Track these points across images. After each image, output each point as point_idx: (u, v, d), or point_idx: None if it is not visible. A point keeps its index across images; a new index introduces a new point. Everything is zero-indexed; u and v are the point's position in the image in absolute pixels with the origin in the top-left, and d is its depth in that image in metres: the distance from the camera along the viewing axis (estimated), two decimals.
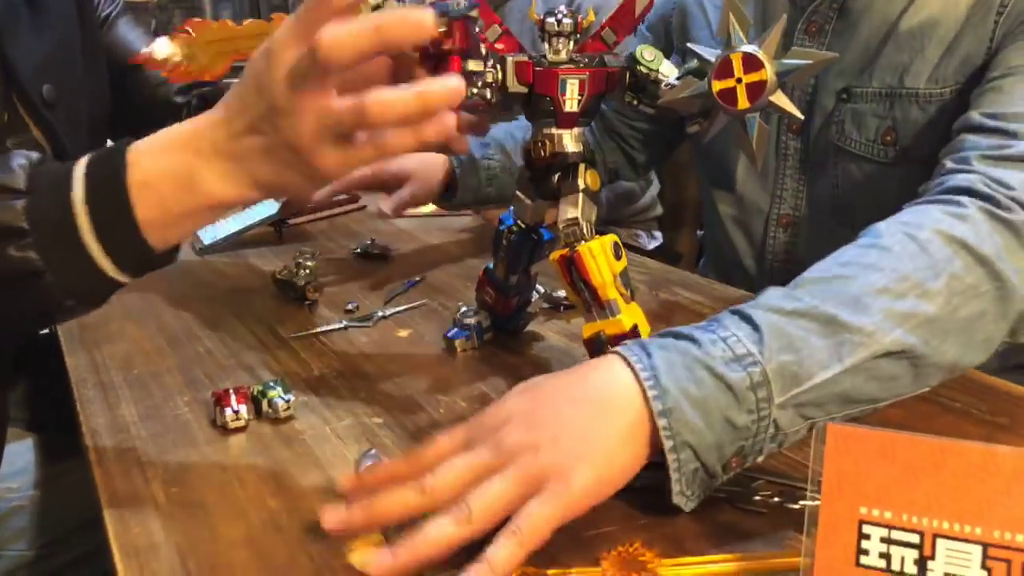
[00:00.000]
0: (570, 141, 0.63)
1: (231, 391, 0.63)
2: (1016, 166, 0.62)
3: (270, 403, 0.64)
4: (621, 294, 0.63)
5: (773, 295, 0.53)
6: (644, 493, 0.51)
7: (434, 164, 1.02)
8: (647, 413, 0.48)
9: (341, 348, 0.78)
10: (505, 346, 0.78)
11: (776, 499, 0.51)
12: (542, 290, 0.80)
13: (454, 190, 1.02)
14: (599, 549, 0.48)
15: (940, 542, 0.41)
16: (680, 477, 0.49)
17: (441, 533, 0.44)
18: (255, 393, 0.65)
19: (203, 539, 0.51)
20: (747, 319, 0.51)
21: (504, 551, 0.44)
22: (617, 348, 0.52)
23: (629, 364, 0.50)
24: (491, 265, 0.76)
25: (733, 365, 0.49)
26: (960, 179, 0.62)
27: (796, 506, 0.50)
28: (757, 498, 0.51)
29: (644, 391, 0.49)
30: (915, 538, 0.41)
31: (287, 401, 0.64)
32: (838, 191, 0.87)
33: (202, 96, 1.10)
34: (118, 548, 0.50)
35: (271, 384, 0.65)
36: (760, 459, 0.51)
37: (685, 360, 0.49)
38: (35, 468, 0.96)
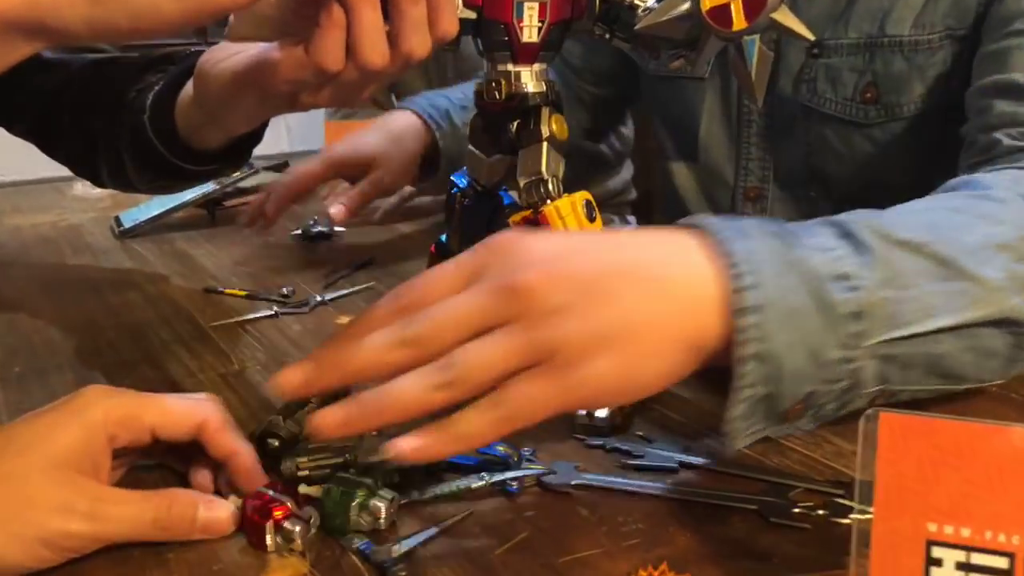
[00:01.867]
0: (530, 80, 0.53)
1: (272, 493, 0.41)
2: None
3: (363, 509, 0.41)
4: None
5: (873, 216, 0.44)
6: (631, 498, 0.40)
7: (404, 141, 0.88)
8: (722, 308, 0.38)
9: (270, 338, 0.67)
10: None
11: (821, 511, 0.41)
12: None
13: (436, 163, 0.89)
14: None
15: None
16: (746, 397, 0.38)
17: (412, 392, 0.36)
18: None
19: None
20: (849, 235, 0.41)
21: (476, 422, 0.36)
22: (699, 219, 0.41)
23: (714, 243, 0.39)
24: (444, 237, 0.65)
25: (835, 283, 0.39)
26: None
27: (846, 520, 0.39)
28: (796, 510, 0.41)
29: (730, 276, 0.38)
30: (1003, 562, 0.31)
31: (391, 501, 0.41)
32: (811, 159, 0.78)
33: None
34: None
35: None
36: (812, 425, 0.42)
37: (778, 258, 0.39)
38: None
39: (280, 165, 1.07)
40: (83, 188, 1.23)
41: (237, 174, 1.02)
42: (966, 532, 0.31)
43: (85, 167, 0.73)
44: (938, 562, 0.31)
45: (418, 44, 0.45)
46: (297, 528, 0.39)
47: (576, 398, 0.38)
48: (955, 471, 0.31)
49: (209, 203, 1.01)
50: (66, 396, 0.41)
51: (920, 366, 0.42)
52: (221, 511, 0.40)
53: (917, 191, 0.55)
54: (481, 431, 0.36)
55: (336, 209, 0.85)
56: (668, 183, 0.91)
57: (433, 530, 0.40)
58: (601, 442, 0.49)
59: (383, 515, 0.40)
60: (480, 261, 0.39)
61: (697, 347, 0.39)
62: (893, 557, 0.32)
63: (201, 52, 0.57)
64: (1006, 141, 0.60)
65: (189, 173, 0.64)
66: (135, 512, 0.39)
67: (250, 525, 0.40)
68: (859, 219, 0.43)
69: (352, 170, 0.88)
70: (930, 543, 0.31)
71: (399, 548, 0.39)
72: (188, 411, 0.42)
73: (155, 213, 0.95)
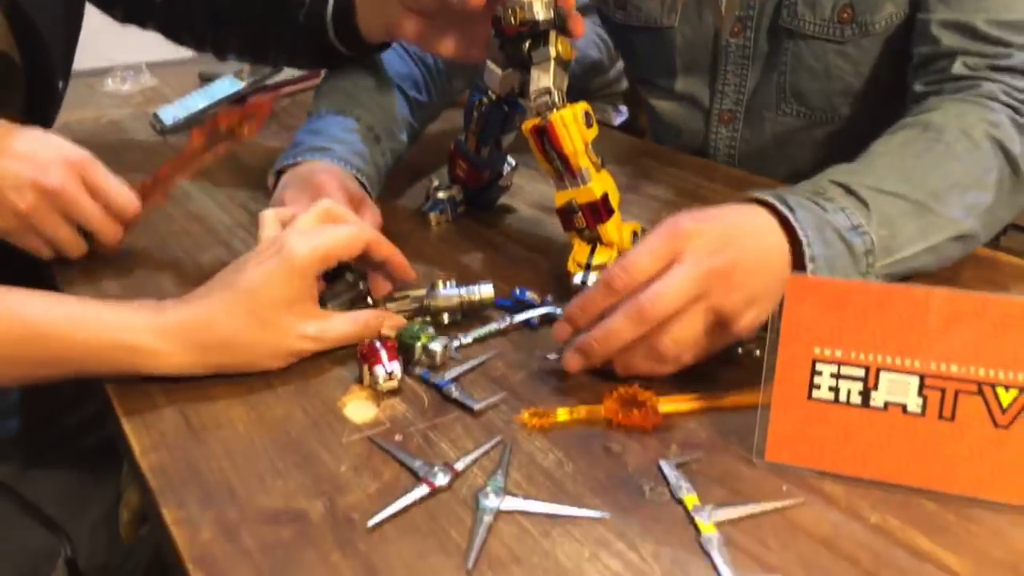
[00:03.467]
0: (540, 8, 0.63)
1: (379, 346, 0.54)
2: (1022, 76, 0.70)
3: (425, 350, 0.56)
4: (592, 162, 0.65)
5: (864, 174, 0.60)
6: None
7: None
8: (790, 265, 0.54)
9: None
10: (479, 219, 0.80)
11: (756, 352, 0.56)
12: (514, 163, 0.82)
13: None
14: (576, 395, 0.52)
15: (883, 375, 0.45)
16: None
17: (641, 365, 0.53)
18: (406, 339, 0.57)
19: (202, 398, 0.53)
20: (853, 193, 0.58)
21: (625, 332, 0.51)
22: (766, 197, 0.56)
23: (780, 217, 0.54)
24: (462, 138, 0.77)
25: (852, 233, 0.56)
26: (985, 88, 0.70)
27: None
28: (740, 350, 0.56)
29: (798, 245, 0.53)
30: (861, 372, 0.46)
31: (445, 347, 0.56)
32: (786, 79, 0.87)
33: None
34: (123, 413, 0.52)
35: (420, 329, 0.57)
36: None
37: (819, 222, 0.55)
38: None
39: None
40: (113, 84, 1.30)
41: (267, 71, 1.11)
42: (839, 353, 0.46)
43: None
44: (819, 373, 0.46)
45: None
46: (380, 375, 0.53)
47: (719, 343, 0.54)
48: (835, 313, 0.46)
49: (239, 100, 1.10)
50: (268, 244, 0.56)
51: (904, 272, 0.60)
52: (394, 320, 0.59)
53: (881, 99, 0.75)
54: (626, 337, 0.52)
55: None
56: (650, 110, 1.01)
57: (473, 363, 0.56)
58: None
59: (438, 357, 0.56)
60: (672, 247, 0.52)
61: None
62: (790, 372, 0.46)
63: None
64: (955, 69, 0.72)
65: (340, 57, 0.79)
66: (346, 330, 0.57)
67: (359, 362, 0.55)
68: (855, 179, 0.59)
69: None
70: (815, 361, 0.46)
71: (449, 374, 0.55)
72: (359, 236, 0.58)
73: (195, 110, 1.05)
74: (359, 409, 0.52)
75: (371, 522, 0.43)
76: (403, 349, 0.56)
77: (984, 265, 0.67)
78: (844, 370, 0.46)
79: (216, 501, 0.45)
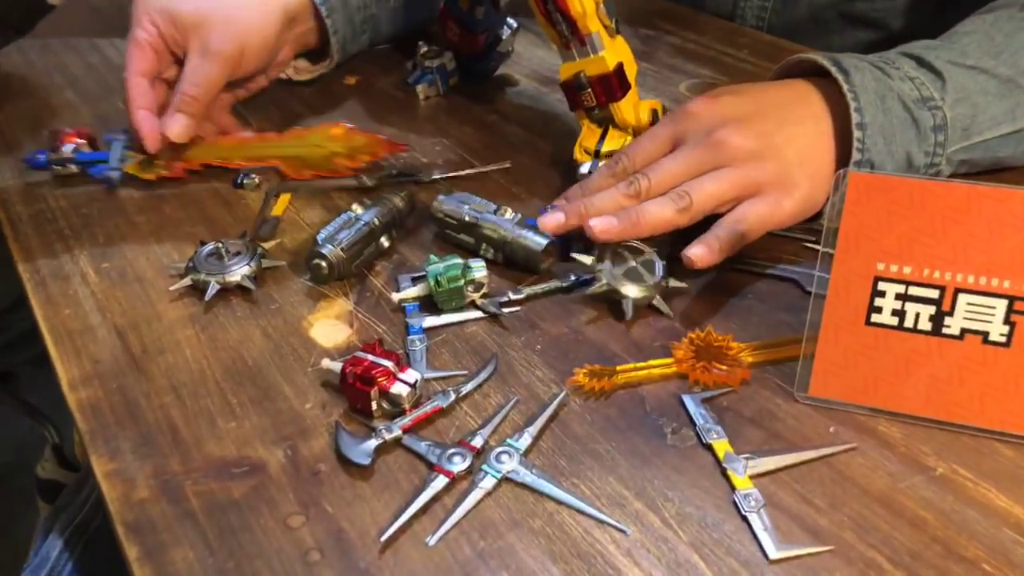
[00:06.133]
0: None
1: (372, 359, 0.39)
2: None
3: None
4: (605, 26, 0.54)
5: (942, 47, 0.51)
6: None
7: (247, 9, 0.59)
8: (845, 130, 0.47)
9: (276, 97, 0.69)
10: (473, 94, 0.70)
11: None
12: (514, 24, 0.70)
13: (322, 52, 0.69)
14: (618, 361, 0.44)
15: (962, 297, 0.37)
16: None
17: (661, 213, 0.45)
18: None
19: (144, 316, 0.46)
20: (926, 65, 0.50)
21: (725, 238, 0.44)
22: (815, 56, 0.49)
23: (833, 80, 0.48)
24: None
25: (919, 105, 0.48)
26: None
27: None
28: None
29: (848, 108, 0.47)
30: (934, 293, 0.37)
31: None
32: None
33: None
34: (49, 332, 0.45)
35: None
36: None
37: (879, 87, 0.48)
38: None
39: None
40: None
41: None
42: (908, 270, 0.37)
43: None
44: (882, 294, 0.37)
45: None
46: (404, 392, 0.38)
47: (779, 224, 0.47)
48: (906, 220, 0.37)
49: None
50: None
51: (986, 162, 0.51)
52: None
53: None
54: (733, 243, 0.44)
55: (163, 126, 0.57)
56: None
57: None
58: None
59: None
60: (678, 127, 0.48)
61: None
62: (846, 291, 0.38)
63: None
64: None
65: None
66: None
67: (353, 392, 0.38)
68: (930, 52, 0.50)
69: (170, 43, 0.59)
70: (877, 279, 0.37)
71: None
72: None
73: None
74: (328, 330, 0.45)
75: (383, 537, 0.33)
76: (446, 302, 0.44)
77: None
78: (913, 290, 0.37)
79: (156, 448, 0.38)
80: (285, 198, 0.55)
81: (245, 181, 0.57)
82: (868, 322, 0.38)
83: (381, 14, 0.72)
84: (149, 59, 0.57)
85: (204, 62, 0.56)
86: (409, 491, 0.35)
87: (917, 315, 0.38)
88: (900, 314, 0.38)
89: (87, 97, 0.70)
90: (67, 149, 0.57)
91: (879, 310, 0.38)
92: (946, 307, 0.37)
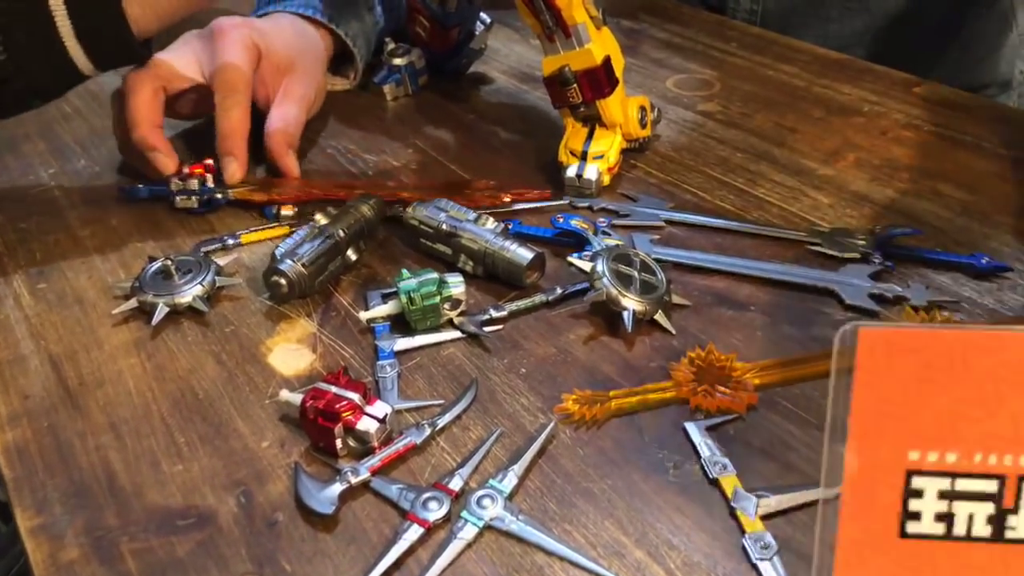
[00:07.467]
0: None
1: (337, 391, 0.35)
2: None
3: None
4: (591, 17, 0.50)
5: None
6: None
7: (312, 43, 0.60)
8: None
9: None
10: (446, 93, 0.65)
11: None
12: (488, 20, 0.66)
13: (350, 71, 0.65)
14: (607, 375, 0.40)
15: None
16: None
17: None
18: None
19: (82, 343, 0.41)
20: None
21: None
22: None
23: None
24: None
25: None
26: None
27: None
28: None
29: None
30: (992, 486, 0.27)
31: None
32: None
33: None
34: None
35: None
36: None
37: None
38: None
39: None
40: None
41: None
42: (952, 458, 0.27)
43: None
44: (918, 494, 0.27)
45: None
46: (372, 429, 0.34)
47: None
48: (944, 389, 0.26)
49: None
50: None
51: None
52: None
53: None
54: None
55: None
56: None
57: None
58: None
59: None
60: None
61: None
62: (867, 495, 0.27)
63: None
64: None
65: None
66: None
67: (315, 429, 0.34)
68: None
69: (268, 81, 0.57)
70: (911, 473, 0.27)
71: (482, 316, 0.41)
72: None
73: None
74: (289, 355, 0.40)
75: None
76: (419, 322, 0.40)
77: None
78: (962, 484, 0.27)
79: (90, 498, 0.33)
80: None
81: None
82: (903, 534, 0.27)
83: (387, 25, 0.68)
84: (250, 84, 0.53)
85: (293, 106, 0.55)
86: (379, 544, 0.31)
87: (971, 517, 0.27)
88: (947, 518, 0.27)
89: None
90: (194, 183, 0.50)
91: (916, 516, 0.27)
92: (1008, 503, 0.27)
